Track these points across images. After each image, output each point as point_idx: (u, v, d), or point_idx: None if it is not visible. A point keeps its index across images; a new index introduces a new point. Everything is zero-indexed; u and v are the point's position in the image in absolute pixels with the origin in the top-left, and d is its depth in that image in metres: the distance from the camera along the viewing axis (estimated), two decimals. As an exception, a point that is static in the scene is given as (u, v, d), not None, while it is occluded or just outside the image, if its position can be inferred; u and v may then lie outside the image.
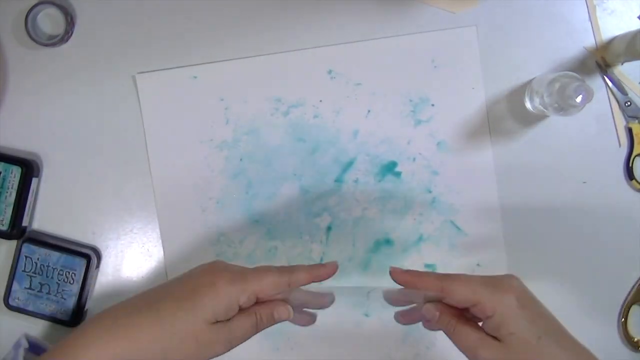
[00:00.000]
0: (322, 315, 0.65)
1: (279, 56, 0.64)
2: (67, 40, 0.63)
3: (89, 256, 0.62)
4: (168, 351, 0.46)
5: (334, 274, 0.53)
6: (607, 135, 0.64)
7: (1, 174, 0.61)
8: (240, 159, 0.64)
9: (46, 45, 0.62)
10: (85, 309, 0.63)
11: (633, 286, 0.65)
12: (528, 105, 0.63)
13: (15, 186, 0.61)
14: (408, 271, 0.50)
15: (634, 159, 0.64)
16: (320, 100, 0.64)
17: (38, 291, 0.62)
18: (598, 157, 0.64)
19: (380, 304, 0.64)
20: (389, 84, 0.64)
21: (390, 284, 0.56)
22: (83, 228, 0.64)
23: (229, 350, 0.49)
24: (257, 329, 0.50)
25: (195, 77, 0.63)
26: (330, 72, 0.64)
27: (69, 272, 0.62)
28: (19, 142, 0.64)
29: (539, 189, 0.64)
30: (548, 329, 0.46)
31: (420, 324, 0.53)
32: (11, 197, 0.61)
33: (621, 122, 0.64)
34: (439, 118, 0.64)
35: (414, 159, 0.64)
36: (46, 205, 0.64)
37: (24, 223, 0.62)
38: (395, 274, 0.50)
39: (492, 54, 0.64)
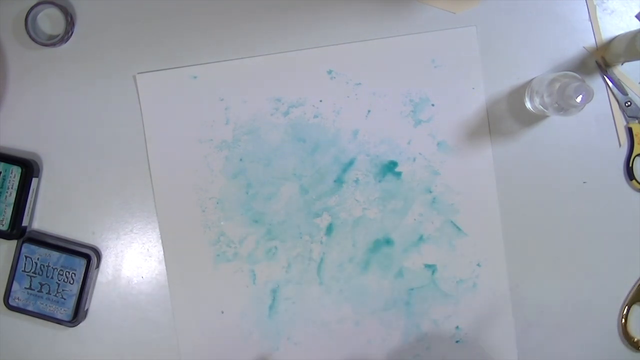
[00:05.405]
0: (322, 315, 0.65)
1: (279, 56, 0.64)
2: (67, 40, 0.63)
3: (89, 256, 0.62)
4: None
5: None
6: (607, 135, 0.64)
7: (1, 174, 0.61)
8: (240, 159, 0.64)
9: (46, 45, 0.62)
10: (85, 309, 0.63)
11: (633, 286, 0.65)
12: (528, 105, 0.63)
13: (15, 186, 0.61)
14: None
15: (634, 159, 0.64)
16: (320, 100, 0.64)
17: (38, 291, 0.62)
18: (598, 157, 0.64)
19: (379, 306, 0.64)
20: (389, 84, 0.64)
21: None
22: (83, 228, 0.64)
23: None
24: None
25: (195, 77, 0.63)
26: (330, 72, 0.64)
27: (69, 272, 0.62)
28: (19, 142, 0.64)
29: (539, 189, 0.64)
30: None
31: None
32: (11, 197, 0.61)
33: (621, 122, 0.64)
34: (439, 118, 0.64)
35: (414, 159, 0.64)
36: (46, 205, 0.64)
37: (24, 223, 0.62)
38: None
39: (492, 54, 0.64)
